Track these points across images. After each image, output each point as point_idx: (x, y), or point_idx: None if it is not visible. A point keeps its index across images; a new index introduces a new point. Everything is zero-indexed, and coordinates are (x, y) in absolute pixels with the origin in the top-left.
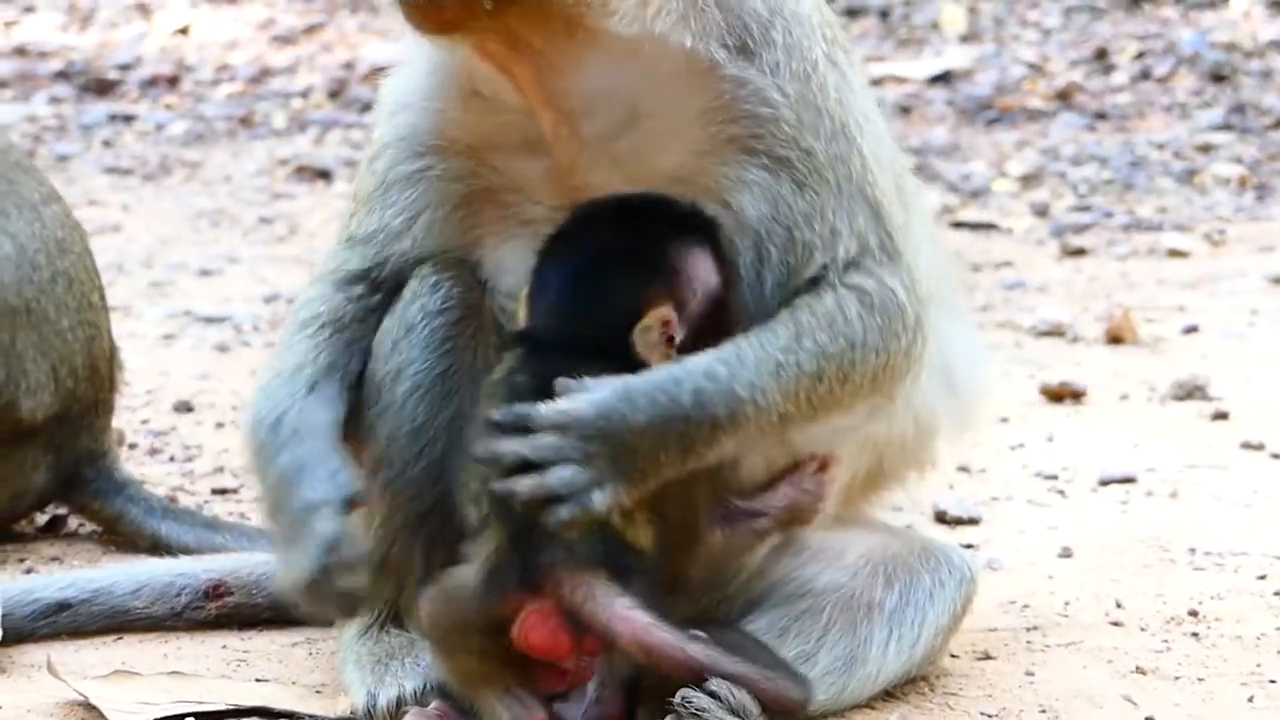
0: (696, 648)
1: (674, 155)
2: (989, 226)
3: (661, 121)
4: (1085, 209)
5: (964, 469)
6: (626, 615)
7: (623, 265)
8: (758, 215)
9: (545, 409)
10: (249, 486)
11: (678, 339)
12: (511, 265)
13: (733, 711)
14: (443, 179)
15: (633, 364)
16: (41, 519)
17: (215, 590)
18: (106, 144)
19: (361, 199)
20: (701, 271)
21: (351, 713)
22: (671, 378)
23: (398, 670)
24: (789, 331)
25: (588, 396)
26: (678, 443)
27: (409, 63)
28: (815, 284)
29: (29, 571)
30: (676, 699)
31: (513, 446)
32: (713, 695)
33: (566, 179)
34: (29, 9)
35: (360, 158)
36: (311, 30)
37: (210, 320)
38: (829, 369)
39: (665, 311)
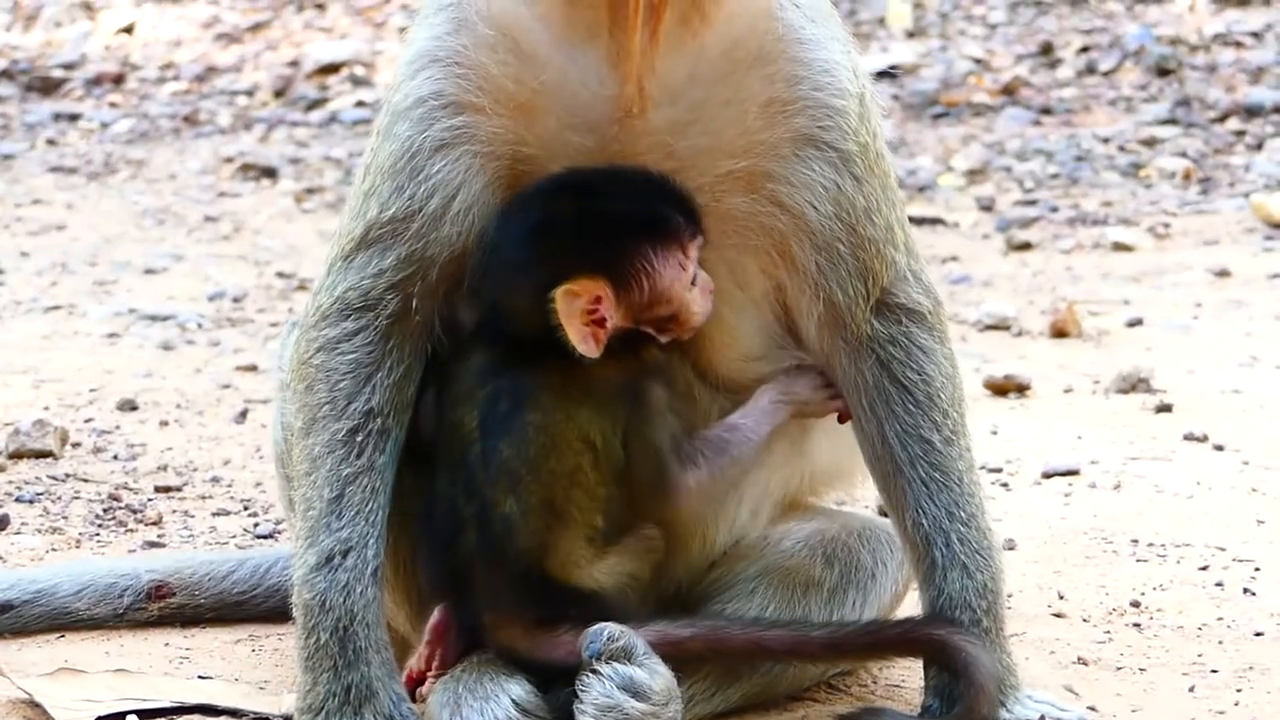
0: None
1: (735, 155)
2: (935, 221)
3: (727, 117)
4: (1031, 203)
5: None
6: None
7: (578, 227)
8: (820, 217)
9: None
10: (191, 484)
11: (609, 322)
12: None
13: (624, 689)
14: (487, 144)
15: (551, 329)
16: None
17: (158, 591)
18: (51, 143)
19: (380, 172)
20: (663, 274)
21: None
22: None
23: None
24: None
25: None
26: None
27: (433, 14)
28: (892, 318)
29: None
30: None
31: None
32: (601, 676)
33: (615, 163)
34: None
35: (308, 156)
36: (256, 28)
37: (155, 318)
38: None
39: (599, 287)
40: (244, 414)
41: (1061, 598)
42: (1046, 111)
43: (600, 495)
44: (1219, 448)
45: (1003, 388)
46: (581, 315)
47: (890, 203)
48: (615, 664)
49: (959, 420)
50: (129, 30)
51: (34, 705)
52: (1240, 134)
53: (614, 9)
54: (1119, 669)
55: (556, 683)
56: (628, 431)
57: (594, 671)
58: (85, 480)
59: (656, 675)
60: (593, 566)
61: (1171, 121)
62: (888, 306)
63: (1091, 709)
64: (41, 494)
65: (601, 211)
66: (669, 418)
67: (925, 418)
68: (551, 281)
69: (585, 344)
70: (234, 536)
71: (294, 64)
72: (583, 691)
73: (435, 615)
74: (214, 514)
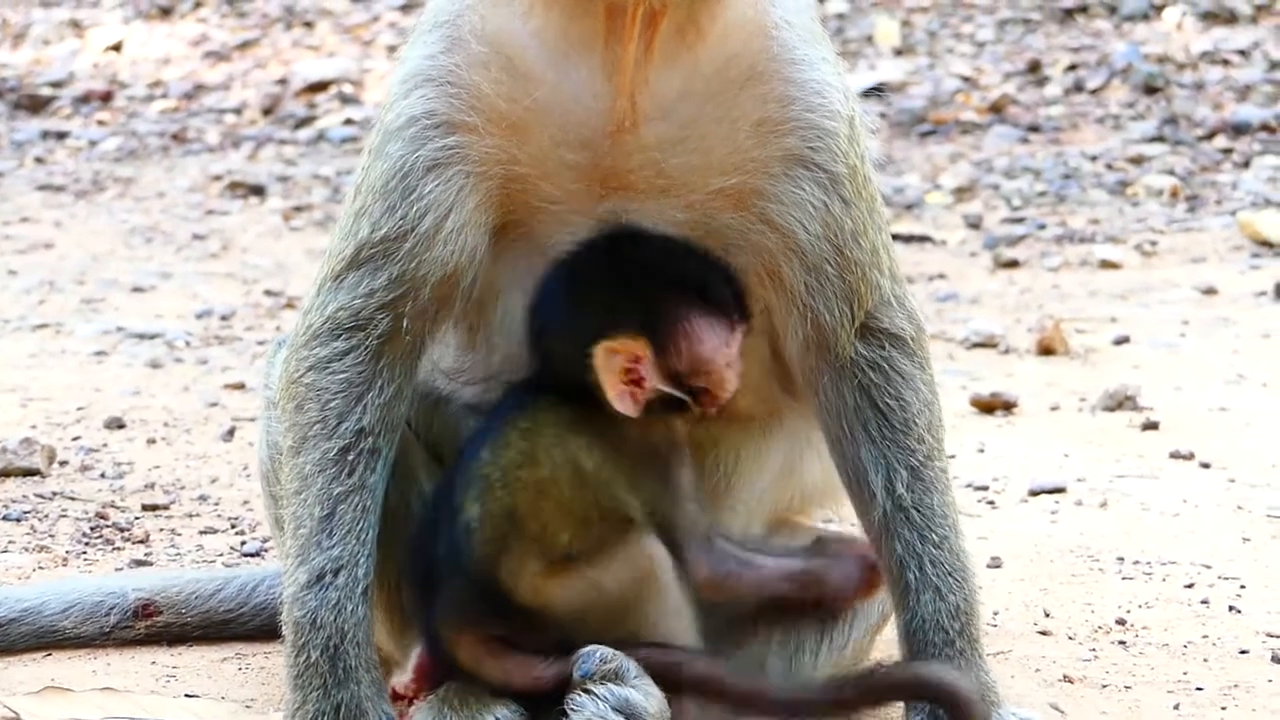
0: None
1: (725, 172)
2: (923, 239)
3: (718, 134)
4: (1018, 221)
5: None
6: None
7: (627, 282)
8: (809, 237)
9: None
10: (179, 502)
11: (647, 383)
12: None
13: (619, 710)
14: (479, 164)
15: (588, 383)
16: None
17: (145, 610)
18: (39, 161)
19: (372, 191)
20: (705, 343)
21: None
22: None
23: None
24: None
25: None
26: None
27: (426, 31)
28: (873, 343)
29: None
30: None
31: None
32: (594, 696)
33: (607, 180)
34: None
35: (296, 174)
36: (245, 46)
37: (142, 337)
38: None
39: (640, 347)
40: (231, 432)
41: (1047, 615)
42: (1034, 129)
43: (575, 515)
44: (1205, 466)
45: (989, 405)
46: (620, 373)
47: (876, 226)
48: (609, 684)
49: (933, 445)
50: (117, 48)
51: None
52: (1227, 152)
53: (611, 18)
54: (1104, 687)
55: (543, 713)
56: (652, 504)
57: (586, 691)
58: (72, 498)
59: (651, 697)
60: (542, 581)
61: (1159, 139)
62: (871, 331)
63: None
64: (28, 512)
65: (652, 270)
66: (694, 506)
67: (900, 444)
68: (593, 333)
69: (622, 402)
70: (221, 554)
71: (282, 82)
72: (574, 711)
73: (416, 656)
74: (201, 532)
